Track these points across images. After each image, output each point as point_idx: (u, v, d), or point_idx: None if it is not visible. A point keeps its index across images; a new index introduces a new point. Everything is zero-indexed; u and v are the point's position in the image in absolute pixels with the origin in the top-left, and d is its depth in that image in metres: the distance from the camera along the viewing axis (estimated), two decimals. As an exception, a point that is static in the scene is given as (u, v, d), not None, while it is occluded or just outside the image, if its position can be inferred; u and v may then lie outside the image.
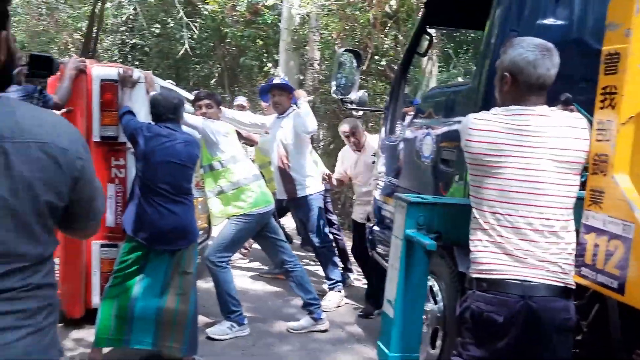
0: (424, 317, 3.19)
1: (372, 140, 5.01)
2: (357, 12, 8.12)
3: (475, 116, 2.09)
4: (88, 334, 3.72)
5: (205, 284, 5.14)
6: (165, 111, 3.46)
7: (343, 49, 4.57)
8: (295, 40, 8.69)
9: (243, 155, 4.29)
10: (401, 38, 8.24)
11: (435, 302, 3.21)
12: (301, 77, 9.40)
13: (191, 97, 4.66)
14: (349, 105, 4.44)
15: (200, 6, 10.46)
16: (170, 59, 11.79)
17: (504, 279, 1.96)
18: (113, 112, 3.67)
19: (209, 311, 4.50)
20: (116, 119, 3.63)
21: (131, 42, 12.83)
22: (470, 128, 2.04)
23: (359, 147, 5.11)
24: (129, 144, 3.61)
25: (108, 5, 11.61)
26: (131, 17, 11.89)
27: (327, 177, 5.29)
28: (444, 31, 7.40)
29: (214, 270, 4.12)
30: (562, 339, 1.98)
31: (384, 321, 2.51)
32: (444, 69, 9.15)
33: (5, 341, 1.13)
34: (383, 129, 4.12)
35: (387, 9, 7.87)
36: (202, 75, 12.41)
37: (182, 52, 10.44)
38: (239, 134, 4.91)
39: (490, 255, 2.00)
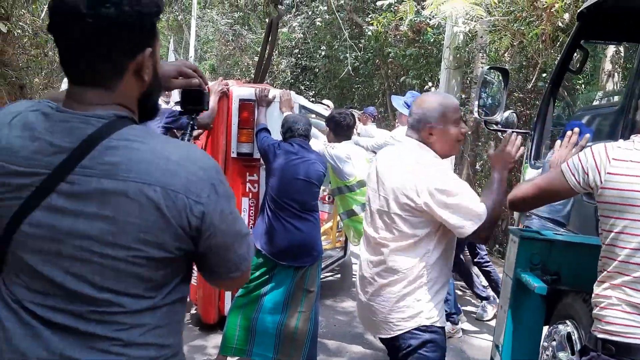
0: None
1: None
2: (525, 28, 7.58)
3: (617, 144, 1.77)
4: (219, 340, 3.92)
5: (334, 303, 5.13)
6: (293, 130, 3.56)
7: (488, 67, 4.27)
8: (457, 59, 8.39)
9: None
10: (575, 54, 7.50)
11: (573, 353, 2.80)
12: (463, 96, 9.04)
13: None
14: (494, 127, 4.13)
15: (364, 27, 10.66)
16: (336, 80, 12.18)
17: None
18: (249, 130, 3.85)
19: (336, 331, 4.47)
20: (252, 137, 3.80)
21: (302, 64, 13.54)
22: (615, 159, 1.72)
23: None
24: (262, 160, 3.75)
25: (285, 29, 12.39)
26: (301, 40, 12.56)
27: None
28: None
29: None
30: None
31: (490, 368, 2.24)
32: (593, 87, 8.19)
33: None
34: (526, 152, 3.75)
35: (559, 22, 7.23)
36: (365, 94, 12.61)
37: (344, 72, 10.74)
38: None
39: (622, 315, 1.68)
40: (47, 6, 1.06)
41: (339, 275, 5.90)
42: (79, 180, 1.02)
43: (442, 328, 2.14)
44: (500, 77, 4.15)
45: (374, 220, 2.19)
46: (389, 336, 2.16)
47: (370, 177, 2.33)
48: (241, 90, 3.95)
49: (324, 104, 7.82)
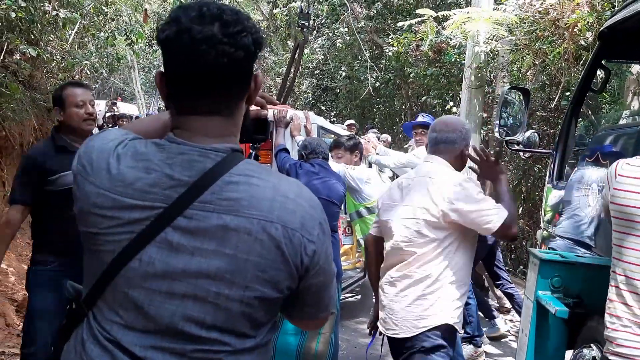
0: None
1: None
2: (547, 47, 7.55)
3: (627, 161, 1.80)
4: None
5: (355, 324, 5.09)
6: (317, 152, 3.59)
7: (509, 87, 4.26)
8: (479, 78, 8.38)
9: None
10: (599, 72, 7.43)
11: (599, 378, 2.73)
12: (485, 115, 9.00)
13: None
14: (515, 147, 4.09)
15: (385, 48, 10.71)
16: (357, 100, 12.25)
17: None
18: (267, 151, 3.88)
19: (357, 353, 4.42)
20: (270, 157, 3.84)
21: (323, 84, 13.64)
22: (621, 175, 1.75)
23: None
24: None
25: (306, 51, 12.52)
26: (322, 61, 12.68)
27: None
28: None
29: None
30: None
31: (512, 394, 2.19)
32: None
33: None
34: (549, 173, 3.71)
35: (581, 41, 7.18)
36: (386, 114, 12.63)
37: (365, 93, 10.79)
38: None
39: (631, 337, 1.67)
40: (161, 37, 1.02)
41: (359, 297, 5.86)
42: (198, 216, 0.98)
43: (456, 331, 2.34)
44: (521, 97, 4.13)
45: (395, 230, 2.36)
46: (407, 335, 2.28)
47: (391, 193, 2.51)
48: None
49: (352, 125, 7.87)
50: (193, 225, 0.97)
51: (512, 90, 4.22)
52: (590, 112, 8.16)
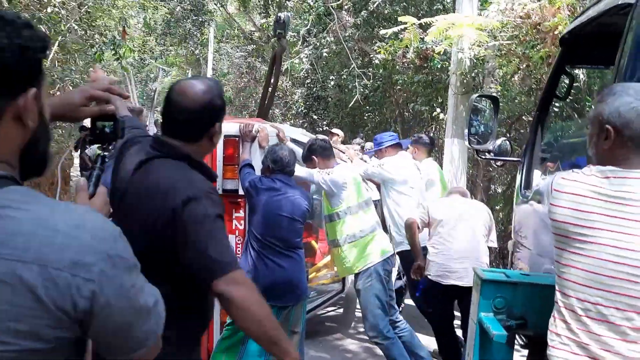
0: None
1: None
2: (530, 51, 7.49)
3: (563, 176, 1.73)
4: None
5: (334, 340, 5.00)
6: (275, 165, 3.50)
7: (477, 94, 4.18)
8: (464, 84, 8.32)
9: (362, 205, 4.05)
10: (582, 76, 7.37)
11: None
12: (472, 122, 8.95)
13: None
14: (486, 155, 4.01)
15: (372, 56, 10.66)
16: (348, 108, 12.19)
17: None
18: (234, 166, 3.81)
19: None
20: (237, 173, 3.76)
21: (315, 93, 13.56)
22: (556, 190, 1.68)
23: None
24: (246, 197, 3.70)
25: (295, 61, 12.46)
26: (311, 70, 12.61)
27: None
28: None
29: (383, 345, 3.94)
30: None
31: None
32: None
33: None
34: (518, 182, 3.63)
35: (564, 45, 7.12)
36: (376, 122, 12.55)
37: (353, 101, 10.72)
38: None
39: (570, 357, 1.60)
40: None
41: (341, 310, 5.76)
42: None
43: None
44: (491, 105, 4.06)
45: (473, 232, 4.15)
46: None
47: (447, 219, 4.14)
48: (225, 127, 3.91)
49: (334, 133, 7.78)
50: None
51: (482, 98, 4.15)
52: (577, 116, 8.08)
